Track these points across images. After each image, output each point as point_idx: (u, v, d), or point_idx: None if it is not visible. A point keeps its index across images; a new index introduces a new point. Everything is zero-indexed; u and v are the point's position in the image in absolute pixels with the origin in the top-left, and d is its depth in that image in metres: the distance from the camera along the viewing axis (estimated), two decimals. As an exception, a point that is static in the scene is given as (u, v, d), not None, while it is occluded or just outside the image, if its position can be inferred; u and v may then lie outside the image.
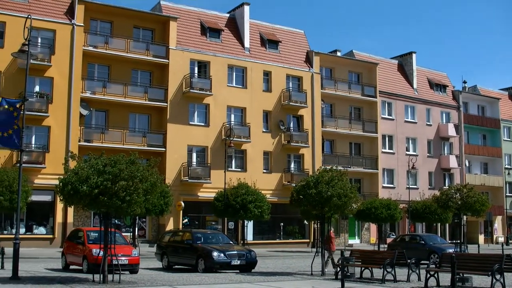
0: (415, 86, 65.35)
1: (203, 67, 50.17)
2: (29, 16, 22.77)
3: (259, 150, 51.05)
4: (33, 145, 42.10)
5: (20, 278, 20.64)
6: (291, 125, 53.70)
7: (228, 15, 54.44)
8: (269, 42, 54.49)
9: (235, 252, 26.90)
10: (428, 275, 20.65)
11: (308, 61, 56.01)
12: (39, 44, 42.85)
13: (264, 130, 51.90)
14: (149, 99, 46.92)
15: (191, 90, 47.63)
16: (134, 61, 46.89)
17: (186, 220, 47.33)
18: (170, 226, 45.33)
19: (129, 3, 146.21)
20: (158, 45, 48.11)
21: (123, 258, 23.12)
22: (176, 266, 28.30)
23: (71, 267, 26.19)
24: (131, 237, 40.18)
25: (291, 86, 54.02)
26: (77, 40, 44.01)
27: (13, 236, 23.20)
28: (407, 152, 62.00)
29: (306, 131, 53.59)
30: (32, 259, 31.94)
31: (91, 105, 45.09)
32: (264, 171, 51.37)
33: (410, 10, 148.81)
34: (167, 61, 47.69)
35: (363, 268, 24.42)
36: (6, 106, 21.61)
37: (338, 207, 24.74)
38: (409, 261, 23.05)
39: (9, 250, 23.62)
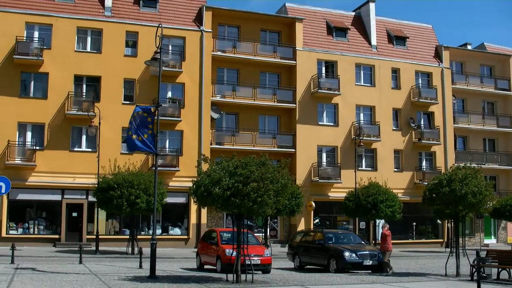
0: (553, 77, 62.22)
1: (330, 67, 50.04)
2: (160, 25, 23.48)
3: (389, 149, 50.30)
4: (167, 149, 43.48)
5: (157, 277, 21.31)
6: (422, 122, 52.55)
7: (353, 13, 54.05)
8: (397, 39, 53.59)
9: (367, 252, 26.64)
10: None
11: (437, 56, 54.60)
12: (170, 51, 44.24)
13: (394, 128, 51.09)
14: (278, 101, 47.37)
15: (319, 90, 47.64)
16: (262, 64, 47.46)
17: (317, 220, 47.35)
18: (301, 227, 45.51)
19: (255, 7, 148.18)
20: (285, 47, 48.44)
21: (255, 258, 23.40)
22: (308, 266, 28.35)
23: (206, 266, 26.80)
24: (263, 237, 40.59)
25: (420, 82, 52.89)
26: (206, 46, 45.08)
27: (150, 236, 24.06)
28: (547, 147, 59.10)
29: (438, 128, 52.27)
30: (168, 259, 32.92)
31: (221, 109, 46.03)
32: (395, 170, 50.57)
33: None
34: (295, 62, 47.94)
35: (500, 269, 23.52)
36: (141, 112, 22.43)
37: (472, 205, 23.97)
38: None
39: (146, 250, 24.41)
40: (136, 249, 33.96)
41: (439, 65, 53.86)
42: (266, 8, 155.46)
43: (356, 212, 42.17)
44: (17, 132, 40.93)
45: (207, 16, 45.73)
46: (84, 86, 42.99)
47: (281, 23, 49.58)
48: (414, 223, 50.99)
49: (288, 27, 49.31)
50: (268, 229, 42.24)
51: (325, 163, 48.48)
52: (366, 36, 52.34)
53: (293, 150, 46.68)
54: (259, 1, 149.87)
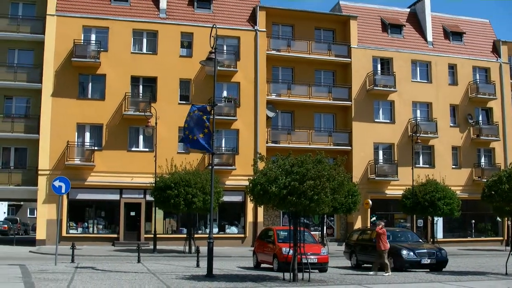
0: None
1: (385, 64, 49.60)
2: (214, 26, 23.62)
3: (447, 145, 49.57)
4: (223, 148, 43.73)
5: (214, 275, 21.41)
6: (480, 118, 51.61)
7: (408, 10, 53.44)
8: (453, 34, 52.73)
9: (425, 250, 26.29)
10: None
11: (495, 51, 53.53)
12: (225, 51, 44.49)
13: (451, 124, 50.32)
14: (333, 99, 47.17)
15: (375, 88, 47.26)
16: (316, 62, 47.34)
17: (374, 218, 46.93)
18: (358, 225, 45.20)
19: (308, 5, 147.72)
20: (340, 44, 48.20)
21: (312, 257, 23.32)
22: (365, 265, 28.13)
23: (262, 265, 26.82)
24: (320, 235, 40.48)
25: (478, 78, 51.95)
26: (261, 45, 45.20)
27: (207, 235, 24.15)
28: None
29: (496, 123, 51.27)
30: (225, 258, 33.10)
31: (276, 107, 46.05)
32: (453, 166, 49.80)
33: None
34: (349, 60, 47.66)
35: None
36: (197, 112, 22.58)
37: (533, 202, 23.43)
38: None
39: (203, 249, 24.57)
40: (193, 248, 34.22)
41: (497, 60, 52.83)
42: (320, 7, 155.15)
43: (414, 209, 41.69)
44: (76, 133, 41.74)
45: (261, 16, 45.85)
46: (141, 87, 43.58)
47: (335, 21, 49.35)
48: (473, 221, 50.11)
49: (343, 25, 49.05)
50: (325, 227, 42.12)
51: (381, 161, 48.09)
52: (422, 32, 51.66)
53: (349, 147, 46.42)
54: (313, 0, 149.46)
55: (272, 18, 46.86)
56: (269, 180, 19.61)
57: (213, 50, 23.20)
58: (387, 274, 23.39)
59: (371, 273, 23.94)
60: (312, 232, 32.50)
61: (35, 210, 46.42)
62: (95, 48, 42.22)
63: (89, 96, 42.68)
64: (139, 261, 28.30)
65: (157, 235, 37.90)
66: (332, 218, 46.44)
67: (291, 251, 20.50)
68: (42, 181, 40.44)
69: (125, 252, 35.06)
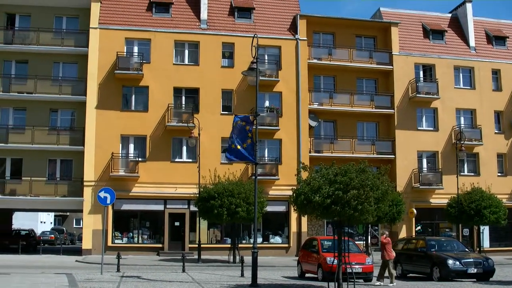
0: None
1: (428, 71, 49.13)
2: (255, 35, 23.70)
3: (492, 153, 48.81)
4: (266, 158, 43.76)
5: (259, 285, 21.46)
6: (526, 124, 50.77)
7: (450, 15, 52.84)
8: (496, 39, 51.93)
9: (471, 260, 25.90)
10: None
11: (542, 55, 52.65)
12: (266, 61, 44.56)
13: (496, 131, 49.54)
14: (375, 107, 46.90)
15: (417, 95, 46.84)
16: (358, 70, 47.13)
17: (419, 227, 46.47)
18: (403, 234, 44.75)
19: (349, 13, 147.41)
20: (381, 52, 47.93)
21: (357, 267, 23.25)
22: (410, 274, 27.90)
23: (307, 275, 26.81)
24: (364, 245, 40.21)
25: (523, 83, 51.09)
26: (302, 54, 45.21)
27: (251, 245, 24.23)
28: None
29: (543, 129, 50.38)
30: (269, 267, 33.04)
31: (319, 116, 45.97)
32: (499, 174, 48.99)
33: None
34: (391, 67, 47.34)
35: None
36: (239, 122, 22.67)
37: None
38: None
39: (248, 259, 24.63)
40: (237, 258, 34.29)
41: (542, 64, 51.91)
42: (361, 14, 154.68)
43: (459, 218, 41.20)
44: (120, 145, 42.23)
45: (301, 25, 45.87)
46: (183, 98, 43.90)
47: (376, 28, 49.10)
48: (521, 229, 49.26)
49: (384, 32, 48.77)
50: (369, 236, 41.82)
51: (425, 169, 47.55)
52: (464, 38, 51.03)
53: (393, 156, 46.03)
54: (353, 7, 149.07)
55: (312, 26, 46.82)
56: (313, 189, 19.56)
57: (255, 60, 23.28)
58: (391, 284, 23.21)
59: (377, 283, 23.74)
60: (356, 242, 32.32)
61: (81, 221, 47.09)
62: (138, 60, 42.73)
63: (133, 108, 43.17)
64: (183, 270, 28.48)
65: (202, 245, 38.06)
66: (376, 228, 46.04)
67: (336, 261, 20.41)
68: (87, 192, 41.01)
69: (169, 262, 35.25)
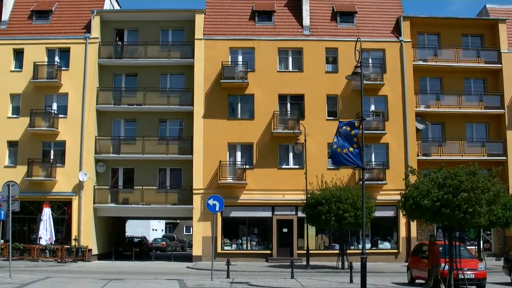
0: None
1: (540, 68, 47.26)
2: (359, 39, 23.56)
3: None
4: (373, 163, 43.33)
5: (370, 292, 21.27)
6: None
7: None
8: None
9: None
10: None
11: None
12: (371, 64, 44.15)
13: None
14: (485, 107, 45.47)
15: (529, 94, 45.22)
16: (465, 70, 45.84)
17: (535, 231, 44.75)
18: (517, 239, 43.27)
19: (454, 11, 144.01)
20: (489, 50, 46.41)
21: (469, 272, 22.67)
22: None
23: (417, 281, 26.35)
24: (476, 250, 39.09)
25: None
26: (406, 56, 44.51)
27: (359, 251, 24.08)
28: None
29: None
30: (378, 274, 32.70)
31: (426, 119, 45.08)
32: None
33: None
34: (500, 65, 45.72)
35: None
36: (344, 127, 22.61)
37: None
38: None
39: (356, 265, 24.47)
40: (346, 264, 34.15)
41: None
42: (466, 12, 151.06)
43: None
44: (227, 153, 42.90)
45: (405, 26, 45.16)
46: (288, 104, 44.10)
47: (482, 26, 47.60)
48: None
49: (491, 29, 47.19)
50: (481, 241, 40.58)
51: (540, 170, 45.73)
52: None
53: (504, 158, 44.47)
54: (458, 5, 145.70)
55: (416, 27, 45.98)
56: (422, 193, 19.32)
57: (359, 64, 23.16)
58: None
59: None
60: (468, 247, 31.51)
61: (191, 228, 48.11)
62: (243, 68, 43.33)
63: (239, 116, 43.77)
64: (292, 276, 28.61)
65: (310, 251, 38.09)
66: (488, 232, 44.65)
67: (447, 267, 20.01)
68: (197, 199, 41.88)
69: (278, 268, 35.48)
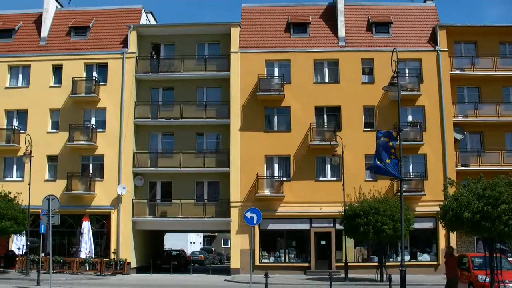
0: None
1: None
2: (395, 50, 23.48)
3: None
4: (411, 174, 42.95)
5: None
6: None
7: None
8: None
9: None
10: None
11: None
12: (407, 74, 43.88)
13: None
14: (524, 116, 44.84)
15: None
16: (503, 78, 45.06)
17: None
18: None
19: (491, 19, 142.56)
20: (530, 58, 45.82)
21: (510, 285, 22.30)
22: None
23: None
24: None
25: None
26: (443, 66, 44.13)
27: (398, 263, 23.86)
28: None
29: None
30: (417, 286, 32.40)
31: (464, 129, 44.59)
32: None
33: None
34: (541, 73, 45.10)
35: None
36: (382, 138, 22.51)
37: None
38: None
39: (395, 277, 24.26)
40: (385, 276, 33.89)
41: None
42: (503, 18, 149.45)
43: None
44: (265, 165, 42.93)
45: (441, 35, 44.81)
46: (325, 116, 44.02)
47: (522, 33, 47.04)
48: None
49: (530, 37, 46.64)
50: (523, 253, 40.00)
51: None
52: None
53: (545, 167, 43.80)
54: (495, 12, 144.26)
55: (453, 36, 45.56)
56: (461, 205, 19.11)
57: (395, 75, 23.07)
58: None
59: None
60: (510, 259, 31.02)
61: (229, 240, 48.19)
62: (279, 81, 43.39)
63: (275, 128, 43.81)
64: (331, 289, 28.45)
65: (348, 263, 37.94)
66: (531, 243, 44.00)
67: (488, 279, 19.75)
68: (234, 212, 41.98)
69: (316, 281, 35.35)
